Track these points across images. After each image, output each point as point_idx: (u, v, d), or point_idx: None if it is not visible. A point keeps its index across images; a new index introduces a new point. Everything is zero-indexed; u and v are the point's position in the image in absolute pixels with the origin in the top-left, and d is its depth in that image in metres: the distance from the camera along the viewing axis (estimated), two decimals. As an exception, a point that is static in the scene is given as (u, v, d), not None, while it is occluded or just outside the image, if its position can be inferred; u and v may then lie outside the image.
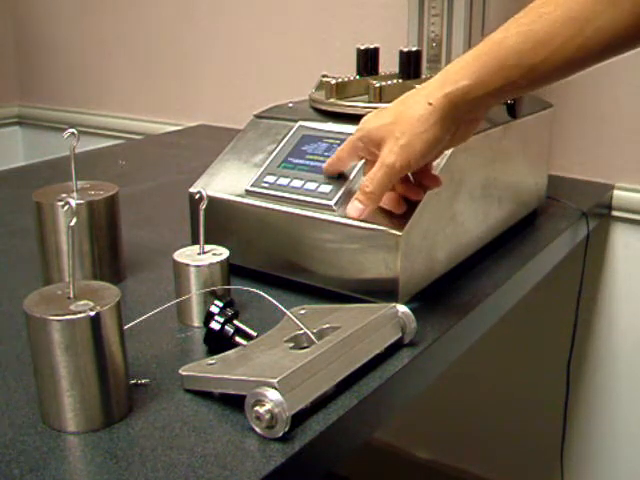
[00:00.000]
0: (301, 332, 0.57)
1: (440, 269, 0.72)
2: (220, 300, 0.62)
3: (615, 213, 1.12)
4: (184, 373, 0.55)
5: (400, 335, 0.60)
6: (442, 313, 0.68)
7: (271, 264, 0.73)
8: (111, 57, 1.71)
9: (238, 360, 0.55)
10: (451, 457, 1.40)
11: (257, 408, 0.48)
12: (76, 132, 0.69)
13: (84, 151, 1.34)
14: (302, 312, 0.63)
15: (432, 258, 0.70)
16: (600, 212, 1.09)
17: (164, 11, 1.59)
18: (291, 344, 0.56)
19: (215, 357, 0.56)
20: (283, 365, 0.50)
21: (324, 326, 0.58)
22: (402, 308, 0.61)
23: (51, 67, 1.83)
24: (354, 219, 0.64)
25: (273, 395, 0.48)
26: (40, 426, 0.51)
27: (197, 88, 1.58)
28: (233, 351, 0.57)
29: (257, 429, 0.49)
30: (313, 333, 0.57)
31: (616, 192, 1.11)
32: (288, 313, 0.59)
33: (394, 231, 0.65)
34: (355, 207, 0.62)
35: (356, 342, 0.56)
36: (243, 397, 0.49)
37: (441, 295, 0.71)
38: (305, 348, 0.55)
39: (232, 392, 0.51)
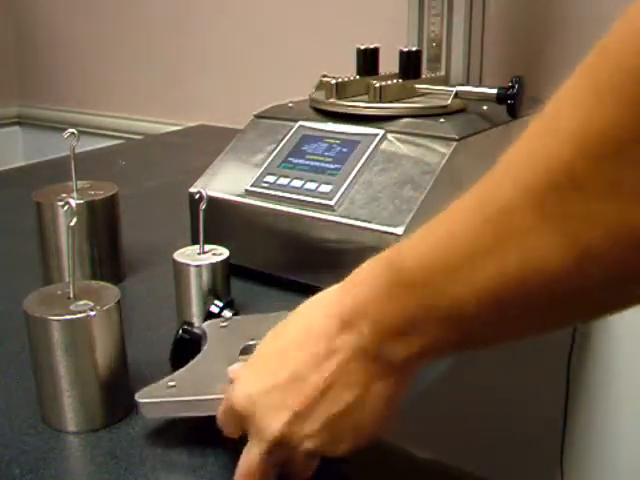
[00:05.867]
0: (253, 342, 0.53)
1: (440, 269, 0.72)
2: (220, 300, 0.62)
3: (615, 213, 1.12)
4: (141, 400, 0.50)
5: None
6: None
7: (271, 264, 0.73)
8: (111, 57, 1.71)
9: (199, 379, 0.51)
10: (451, 457, 1.40)
11: None
12: (76, 132, 0.69)
13: (84, 151, 1.34)
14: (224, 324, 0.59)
15: (432, 258, 0.70)
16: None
17: (164, 11, 1.59)
18: (245, 356, 0.50)
19: (174, 377, 0.51)
20: None
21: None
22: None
23: (51, 67, 1.83)
24: None
25: None
26: (40, 426, 0.51)
27: (197, 88, 1.58)
28: (187, 370, 0.52)
29: None
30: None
31: (616, 192, 1.11)
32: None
33: (394, 231, 0.65)
34: None
35: None
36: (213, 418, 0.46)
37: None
38: None
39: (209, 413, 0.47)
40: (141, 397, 0.50)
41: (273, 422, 0.41)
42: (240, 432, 0.45)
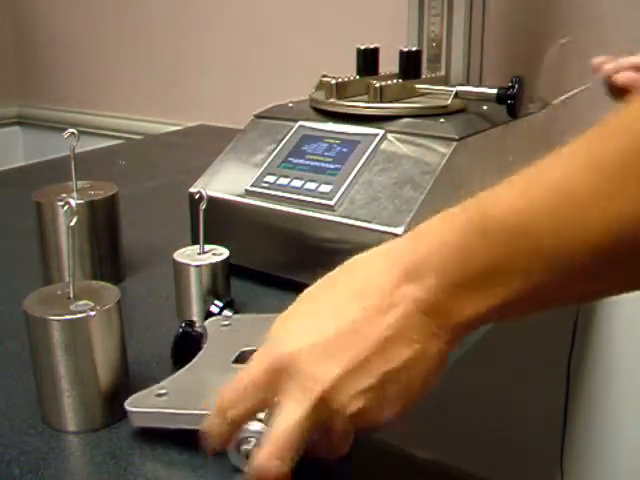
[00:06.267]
0: (249, 349, 0.51)
1: (440, 269, 0.72)
2: (220, 300, 0.62)
3: (615, 213, 1.11)
4: (130, 409, 0.49)
5: None
6: (442, 313, 0.67)
7: (271, 264, 0.73)
8: (111, 57, 1.71)
9: (191, 388, 0.50)
10: (451, 457, 1.40)
11: (245, 447, 0.43)
12: (76, 132, 0.69)
13: (84, 151, 1.34)
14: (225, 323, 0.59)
15: (432, 258, 0.70)
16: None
17: (164, 11, 1.59)
18: (241, 366, 0.48)
19: (165, 385, 0.50)
20: None
21: None
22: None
23: (51, 67, 1.83)
24: None
25: (256, 426, 0.42)
26: (40, 426, 0.51)
27: (197, 88, 1.58)
28: (180, 376, 0.52)
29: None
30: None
31: (616, 192, 1.10)
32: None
33: (394, 231, 0.65)
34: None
35: None
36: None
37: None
38: None
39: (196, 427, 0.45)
40: (130, 405, 0.49)
41: (323, 374, 0.38)
42: (237, 444, 0.42)
